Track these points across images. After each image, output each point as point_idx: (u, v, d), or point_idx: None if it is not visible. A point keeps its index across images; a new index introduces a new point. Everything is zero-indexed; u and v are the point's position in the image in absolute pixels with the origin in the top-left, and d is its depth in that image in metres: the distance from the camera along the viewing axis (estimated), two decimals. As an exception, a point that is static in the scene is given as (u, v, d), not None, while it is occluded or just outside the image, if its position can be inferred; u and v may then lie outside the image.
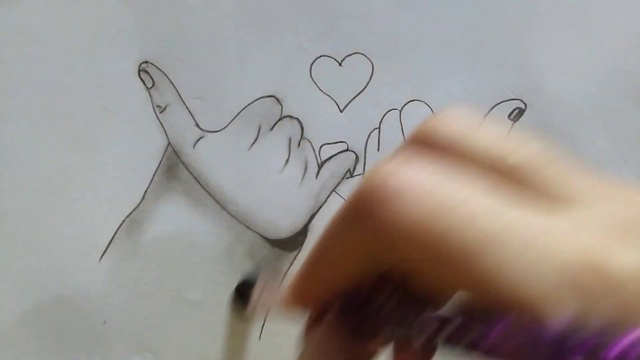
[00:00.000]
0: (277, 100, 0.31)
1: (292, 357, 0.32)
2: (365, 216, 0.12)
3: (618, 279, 0.11)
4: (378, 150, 0.32)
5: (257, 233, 0.31)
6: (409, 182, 0.12)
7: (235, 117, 0.31)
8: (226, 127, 0.31)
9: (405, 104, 0.32)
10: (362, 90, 0.32)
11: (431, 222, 0.12)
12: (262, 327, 0.31)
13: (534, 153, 0.14)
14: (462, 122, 0.14)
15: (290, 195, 0.31)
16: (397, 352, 0.16)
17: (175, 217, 0.30)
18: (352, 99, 0.32)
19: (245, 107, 0.31)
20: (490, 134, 0.14)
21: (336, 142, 0.31)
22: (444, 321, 0.13)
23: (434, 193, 0.12)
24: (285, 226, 0.31)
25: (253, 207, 0.31)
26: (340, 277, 0.15)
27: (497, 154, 0.14)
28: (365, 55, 0.31)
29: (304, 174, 0.31)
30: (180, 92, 0.30)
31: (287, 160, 0.31)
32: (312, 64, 0.31)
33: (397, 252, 0.12)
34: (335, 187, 0.32)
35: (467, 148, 0.14)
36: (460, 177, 0.12)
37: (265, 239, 0.31)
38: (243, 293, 0.30)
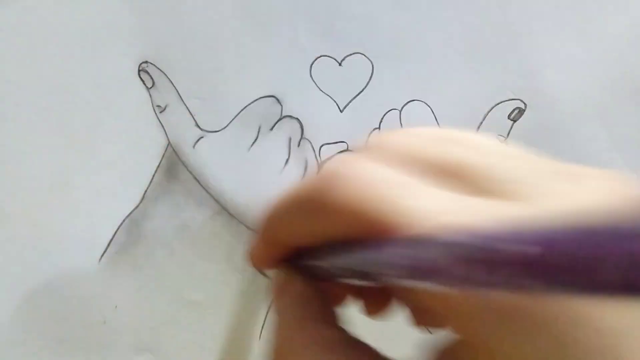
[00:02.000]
0: (277, 100, 0.31)
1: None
2: (319, 205, 0.15)
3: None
4: (378, 150, 0.32)
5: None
6: (355, 173, 0.14)
7: (235, 117, 0.31)
8: (226, 127, 0.31)
9: (405, 104, 0.32)
10: (362, 90, 0.32)
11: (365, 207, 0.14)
12: (262, 327, 0.31)
13: (477, 149, 0.15)
14: (402, 135, 0.16)
15: (290, 195, 0.31)
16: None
17: (175, 217, 0.30)
18: (352, 99, 0.32)
19: (245, 107, 0.31)
20: (428, 137, 0.16)
21: (336, 142, 0.31)
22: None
23: (372, 185, 0.14)
24: (285, 226, 0.31)
25: (253, 207, 0.31)
26: (292, 242, 0.17)
27: (435, 155, 0.15)
28: (365, 55, 0.31)
29: (304, 174, 0.31)
30: (180, 92, 0.30)
31: (287, 160, 0.31)
32: (312, 64, 0.31)
33: (339, 228, 0.15)
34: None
35: (408, 151, 0.15)
36: (397, 172, 0.15)
37: (265, 239, 0.31)
38: None
